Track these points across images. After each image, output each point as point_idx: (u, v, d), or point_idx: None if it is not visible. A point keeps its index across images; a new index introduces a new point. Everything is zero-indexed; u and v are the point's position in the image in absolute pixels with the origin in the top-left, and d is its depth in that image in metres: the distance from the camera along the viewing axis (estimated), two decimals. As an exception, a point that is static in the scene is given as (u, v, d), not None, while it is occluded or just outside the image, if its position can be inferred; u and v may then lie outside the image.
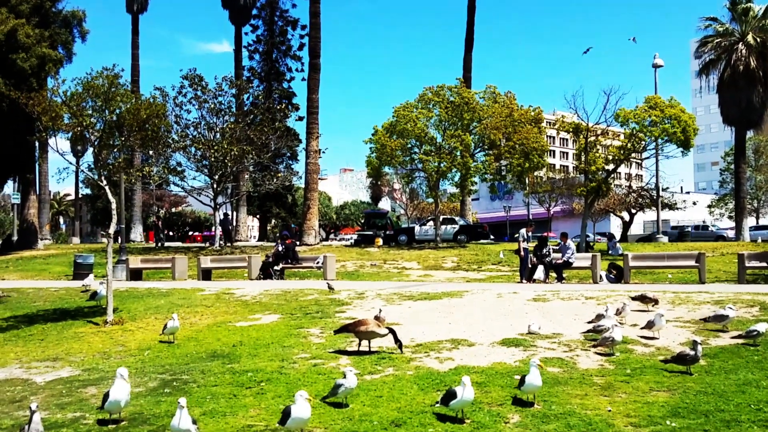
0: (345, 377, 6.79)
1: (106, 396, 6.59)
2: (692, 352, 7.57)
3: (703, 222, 57.19)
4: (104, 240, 31.74)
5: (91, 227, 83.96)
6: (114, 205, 13.60)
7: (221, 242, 33.02)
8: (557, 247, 18.83)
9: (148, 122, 14.00)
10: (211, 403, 7.20)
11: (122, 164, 16.73)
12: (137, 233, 44.48)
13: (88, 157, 32.35)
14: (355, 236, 46.28)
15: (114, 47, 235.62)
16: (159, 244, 36.18)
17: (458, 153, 31.84)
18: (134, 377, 8.47)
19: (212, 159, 30.94)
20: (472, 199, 51.95)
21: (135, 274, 21.96)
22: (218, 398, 7.35)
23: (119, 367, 9.08)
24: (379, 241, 35.78)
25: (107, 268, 13.49)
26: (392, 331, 9.07)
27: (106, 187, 13.57)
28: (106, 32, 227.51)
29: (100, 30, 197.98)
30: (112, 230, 13.66)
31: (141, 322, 12.54)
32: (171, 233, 65.17)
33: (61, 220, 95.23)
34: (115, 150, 14.84)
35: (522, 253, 18.25)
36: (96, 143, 13.84)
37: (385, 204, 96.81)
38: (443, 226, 35.34)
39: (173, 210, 78.59)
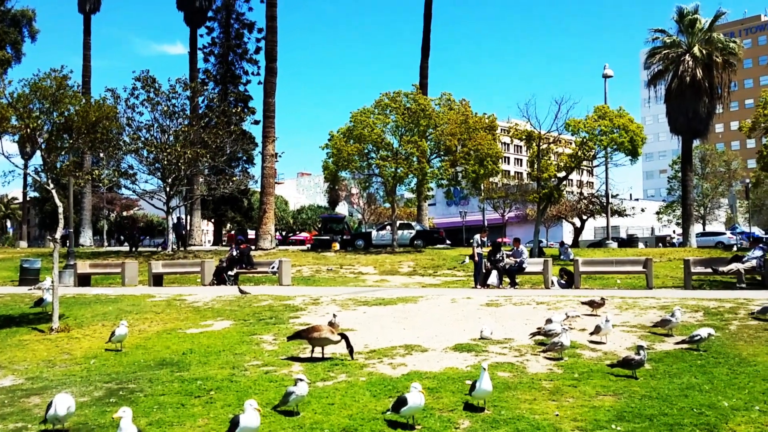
0: (296, 385, 6.74)
1: (49, 406, 6.39)
2: (637, 357, 7.76)
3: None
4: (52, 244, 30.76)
5: (39, 231, 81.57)
6: (61, 209, 13.21)
7: (174, 247, 32.44)
8: (510, 253, 19.11)
9: (98, 124, 13.66)
10: (158, 412, 7.05)
11: (71, 167, 16.30)
12: (87, 237, 43.37)
13: (37, 159, 31.32)
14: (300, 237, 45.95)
15: (65, 47, 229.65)
16: (133, 249, 35.24)
17: (415, 159, 32.06)
18: (79, 386, 8.25)
19: (165, 162, 30.39)
20: (429, 205, 52.30)
21: (83, 280, 21.37)
22: (165, 408, 7.20)
23: (64, 375, 8.88)
24: (336, 246, 35.71)
25: (53, 274, 13.10)
26: (345, 337, 9.06)
27: (53, 191, 13.19)
28: (58, 32, 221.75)
29: (51, 30, 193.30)
30: (58, 234, 13.28)
31: (88, 329, 12.20)
32: (122, 237, 63.66)
33: (8, 224, 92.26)
34: (64, 152, 14.45)
35: (476, 258, 18.45)
36: (44, 146, 13.44)
37: (342, 209, 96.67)
38: (400, 231, 35.48)
39: (124, 213, 76.85)
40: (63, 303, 14.06)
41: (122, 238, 64.04)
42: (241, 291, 15.91)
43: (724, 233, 50.82)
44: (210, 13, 49.74)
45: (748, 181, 55.28)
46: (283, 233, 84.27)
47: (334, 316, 10.85)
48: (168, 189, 31.27)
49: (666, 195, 72.39)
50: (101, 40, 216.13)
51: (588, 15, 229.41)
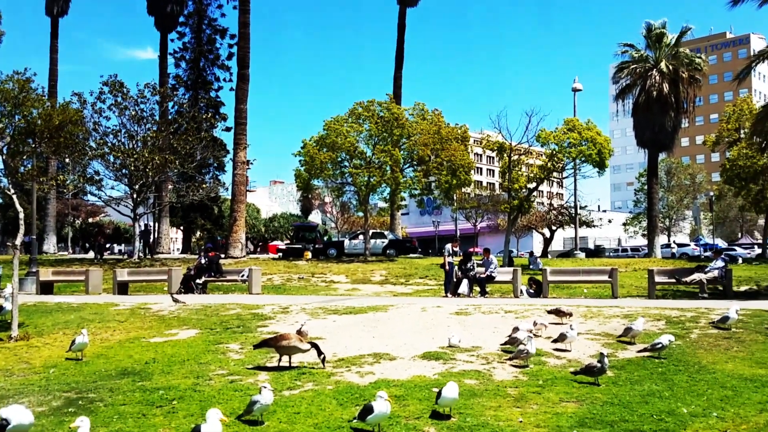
0: (261, 393, 6.66)
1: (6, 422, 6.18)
2: (599, 364, 7.86)
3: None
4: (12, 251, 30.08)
5: (2, 238, 79.66)
6: (22, 215, 12.92)
7: (140, 254, 31.96)
8: (481, 262, 19.23)
9: (62, 128, 13.44)
10: (118, 422, 6.90)
11: (34, 172, 15.97)
12: (51, 244, 42.56)
13: (-1, 163, 30.66)
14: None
15: (32, 51, 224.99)
16: (99, 257, 34.58)
17: (388, 168, 32.15)
18: (37, 395, 8.05)
19: (132, 168, 29.99)
20: (402, 214, 52.48)
21: (46, 288, 20.90)
22: (126, 418, 7.06)
23: (22, 385, 8.65)
24: (308, 255, 35.57)
25: (13, 281, 12.80)
26: (315, 346, 8.99)
27: (14, 196, 12.90)
28: (25, 35, 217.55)
29: (17, 32, 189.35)
30: (18, 241, 12.98)
31: (48, 337, 11.92)
32: (87, 244, 62.57)
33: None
34: (26, 157, 14.18)
35: (447, 267, 18.53)
36: (5, 150, 13.16)
37: (315, 217, 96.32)
38: (373, 240, 35.50)
39: (90, 220, 75.52)
40: (23, 311, 13.74)
41: (87, 245, 62.98)
42: (174, 299, 15.68)
43: (689, 245, 51.84)
44: (181, 18, 49.38)
45: (712, 193, 56.66)
46: (259, 243, 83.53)
47: (303, 324, 10.78)
48: (135, 196, 30.87)
49: (633, 207, 73.63)
50: (69, 44, 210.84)
51: (559, 28, 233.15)
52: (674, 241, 56.35)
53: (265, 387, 6.71)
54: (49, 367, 9.69)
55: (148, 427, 6.74)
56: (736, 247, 47.69)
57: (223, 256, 28.76)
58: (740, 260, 33.61)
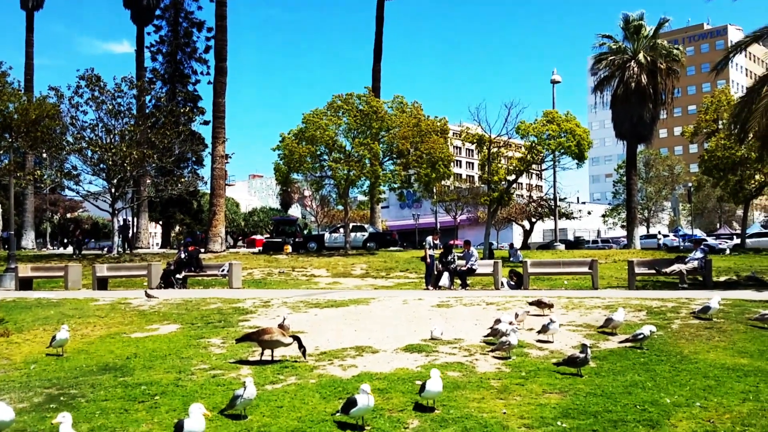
0: (244, 388, 6.63)
1: None
2: (582, 355, 7.92)
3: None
4: (-11, 247, 29.65)
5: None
6: (0, 210, 12.70)
7: (120, 249, 31.62)
8: (461, 255, 19.30)
9: (39, 123, 13.25)
10: (100, 418, 6.83)
11: (12, 167, 15.68)
12: (29, 240, 41.92)
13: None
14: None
15: (7, 45, 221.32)
16: (77, 252, 34.07)
17: (367, 161, 32.11)
18: (18, 392, 7.93)
19: (110, 162, 29.63)
20: (382, 207, 52.45)
21: (25, 284, 20.65)
22: (108, 413, 6.98)
23: (2, 381, 8.52)
24: (288, 249, 35.46)
25: (-10, 277, 12.59)
26: (297, 339, 8.97)
27: (-10, 191, 12.69)
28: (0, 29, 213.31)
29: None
30: (-4, 237, 12.76)
31: (28, 333, 11.75)
32: (66, 240, 61.69)
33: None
34: (3, 152, 13.94)
35: (428, 260, 18.57)
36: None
37: (295, 211, 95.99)
38: (353, 234, 35.47)
39: (68, 215, 74.48)
40: (2, 307, 13.55)
41: (66, 240, 62.14)
42: (148, 295, 15.59)
43: (668, 236, 52.47)
44: (158, 12, 48.93)
45: (690, 184, 57.39)
46: (239, 237, 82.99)
47: (285, 318, 10.73)
48: (113, 190, 30.51)
49: (611, 198, 74.36)
50: (45, 39, 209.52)
51: (537, 20, 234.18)
52: (660, 232, 56.99)
53: (249, 381, 6.68)
54: (29, 363, 9.56)
55: (131, 423, 6.67)
56: (708, 239, 48.39)
57: (202, 250, 28.56)
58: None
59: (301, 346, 8.88)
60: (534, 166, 32.91)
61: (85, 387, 8.05)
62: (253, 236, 68.10)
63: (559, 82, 39.60)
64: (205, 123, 45.69)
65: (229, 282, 19.86)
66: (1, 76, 12.40)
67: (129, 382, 8.21)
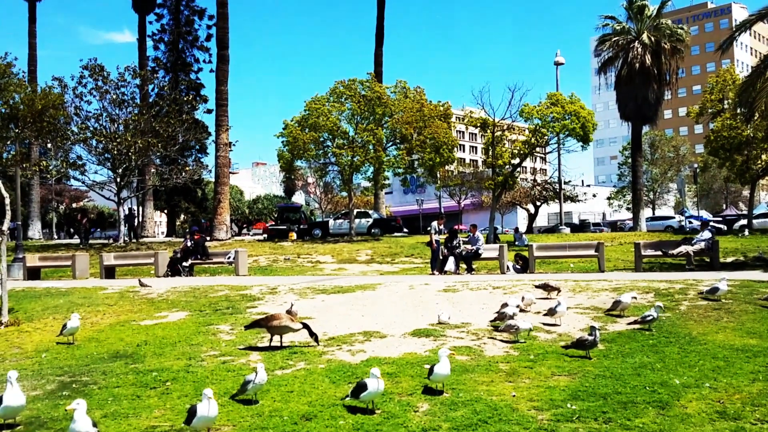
0: (254, 373, 6.69)
1: None
2: (590, 338, 7.94)
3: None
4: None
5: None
6: (7, 200, 12.77)
7: (126, 238, 31.75)
8: (467, 239, 19.30)
9: (45, 113, 13.25)
10: (113, 404, 6.90)
11: (18, 158, 15.72)
12: (35, 230, 42.13)
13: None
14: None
15: (10, 36, 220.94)
16: (84, 242, 34.23)
17: (371, 147, 32.01)
18: (31, 380, 8.02)
19: (115, 152, 29.65)
20: (386, 193, 52.48)
21: (33, 273, 20.74)
22: (120, 399, 7.06)
23: (15, 369, 8.59)
24: (293, 236, 35.51)
25: (1, 267, 12.66)
26: (306, 326, 9.03)
27: (-2, 182, 12.73)
28: (2, 21, 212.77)
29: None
30: (5, 227, 12.83)
31: (38, 322, 11.85)
32: (72, 229, 61.94)
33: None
34: (9, 143, 13.96)
35: (433, 245, 18.58)
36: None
37: (299, 198, 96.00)
38: (357, 220, 35.47)
39: (74, 205, 74.72)
40: (12, 296, 13.62)
41: (72, 230, 62.38)
42: (142, 284, 15.64)
43: (674, 217, 52.22)
44: (159, 0, 48.62)
45: (696, 165, 57.01)
46: (243, 225, 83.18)
47: (292, 304, 10.80)
48: (118, 179, 30.56)
49: (617, 180, 74.04)
50: (47, 29, 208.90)
51: (540, 1, 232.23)
52: (680, 212, 56.53)
53: (259, 366, 6.74)
54: (41, 352, 9.65)
55: (143, 409, 6.74)
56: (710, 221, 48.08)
57: (208, 238, 28.63)
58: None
59: (311, 333, 8.94)
60: (538, 149, 32.79)
61: (97, 374, 8.13)
62: (257, 223, 68.35)
63: (562, 64, 39.31)
64: (208, 111, 45.62)
65: (236, 269, 19.93)
66: (6, 67, 12.35)
67: (140, 368, 8.29)
